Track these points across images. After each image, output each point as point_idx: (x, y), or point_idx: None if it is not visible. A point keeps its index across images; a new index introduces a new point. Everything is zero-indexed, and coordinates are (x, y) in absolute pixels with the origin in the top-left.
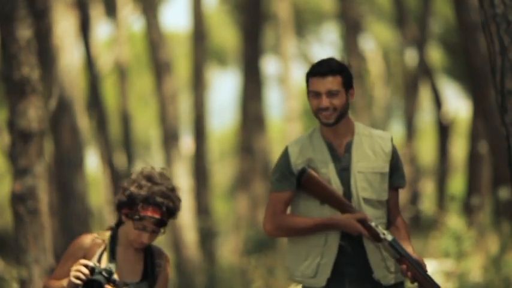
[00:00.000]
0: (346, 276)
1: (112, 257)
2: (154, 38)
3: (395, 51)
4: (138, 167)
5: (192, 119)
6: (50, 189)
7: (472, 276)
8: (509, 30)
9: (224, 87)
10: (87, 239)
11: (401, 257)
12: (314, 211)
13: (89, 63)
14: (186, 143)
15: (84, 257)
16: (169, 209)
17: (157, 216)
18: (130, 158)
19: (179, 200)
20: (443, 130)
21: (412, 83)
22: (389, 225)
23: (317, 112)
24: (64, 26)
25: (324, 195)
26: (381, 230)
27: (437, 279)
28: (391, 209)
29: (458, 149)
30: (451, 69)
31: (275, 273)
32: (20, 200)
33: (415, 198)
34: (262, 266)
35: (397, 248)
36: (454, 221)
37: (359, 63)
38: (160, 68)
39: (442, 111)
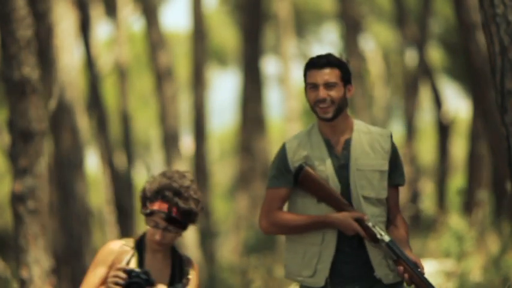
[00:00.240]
0: (346, 276)
1: (140, 263)
2: (154, 38)
3: (396, 51)
4: (138, 167)
5: (192, 119)
6: (50, 189)
7: (472, 276)
8: (509, 30)
9: (224, 87)
10: (115, 245)
11: (398, 258)
12: (311, 209)
13: (89, 63)
14: (186, 143)
15: (113, 263)
16: (180, 208)
17: (164, 210)
18: (130, 158)
19: (195, 201)
20: (443, 130)
21: (412, 83)
22: (389, 223)
23: (314, 105)
24: (64, 26)
25: (321, 193)
26: (378, 231)
27: (438, 279)
28: (390, 207)
29: (458, 149)
30: (451, 69)
31: (275, 273)
32: (20, 200)
33: (415, 198)
34: (262, 266)
35: (395, 250)
36: (455, 220)
37: (359, 63)
38: (160, 68)
39: (442, 111)
